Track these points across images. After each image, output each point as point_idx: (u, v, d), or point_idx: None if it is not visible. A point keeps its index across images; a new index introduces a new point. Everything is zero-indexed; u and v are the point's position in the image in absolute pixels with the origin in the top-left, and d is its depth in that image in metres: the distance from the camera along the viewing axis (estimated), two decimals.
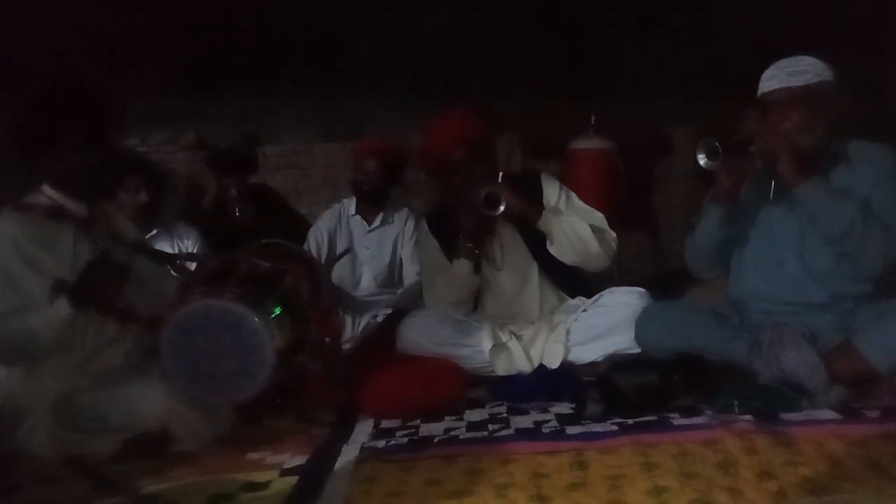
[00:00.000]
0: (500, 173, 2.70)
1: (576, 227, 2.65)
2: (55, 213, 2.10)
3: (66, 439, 2.03)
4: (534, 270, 2.80)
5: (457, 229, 2.69)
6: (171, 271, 2.32)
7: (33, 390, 2.08)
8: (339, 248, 3.57)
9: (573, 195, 2.83)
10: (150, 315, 2.08)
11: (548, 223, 2.66)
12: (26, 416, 2.05)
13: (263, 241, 2.32)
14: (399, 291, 3.55)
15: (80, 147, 2.08)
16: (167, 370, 1.93)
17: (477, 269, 2.72)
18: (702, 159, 2.25)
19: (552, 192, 2.79)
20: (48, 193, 2.13)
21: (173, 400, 1.98)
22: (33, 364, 2.09)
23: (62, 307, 1.94)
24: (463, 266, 2.69)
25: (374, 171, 3.52)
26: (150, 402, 2.00)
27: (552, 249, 2.68)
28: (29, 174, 2.14)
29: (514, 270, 2.80)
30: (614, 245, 2.72)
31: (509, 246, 2.79)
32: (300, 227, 3.72)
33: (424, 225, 2.94)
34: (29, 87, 2.11)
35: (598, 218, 2.75)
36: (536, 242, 2.72)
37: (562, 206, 2.76)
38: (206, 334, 1.88)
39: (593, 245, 2.63)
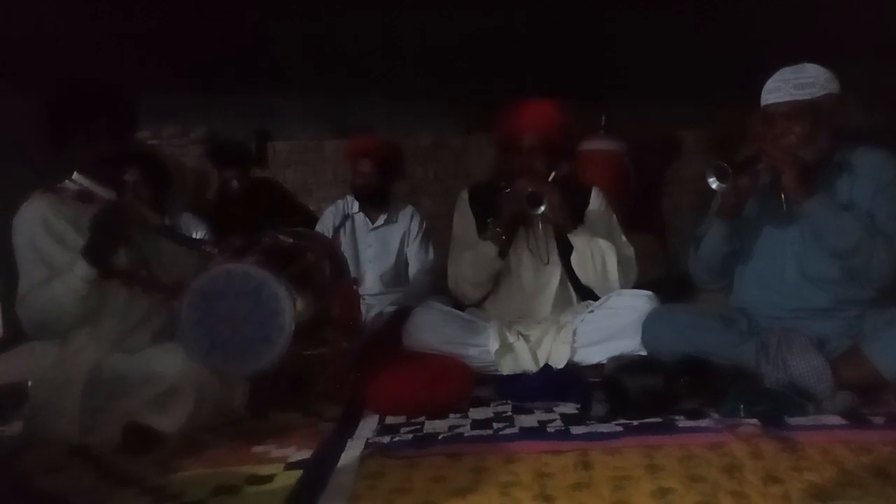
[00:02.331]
0: (553, 173, 2.71)
1: (605, 252, 2.67)
2: (84, 197, 2.16)
3: (93, 412, 2.05)
4: (557, 272, 2.82)
5: (493, 210, 2.72)
6: (197, 255, 2.33)
7: (66, 370, 2.10)
8: (343, 246, 3.55)
9: (615, 220, 2.85)
10: (172, 284, 2.11)
11: (579, 239, 2.68)
12: (58, 397, 2.08)
13: (284, 229, 2.32)
14: (405, 289, 3.54)
15: (110, 137, 2.16)
16: (186, 336, 1.94)
17: (502, 254, 2.74)
18: (713, 182, 2.25)
19: (597, 208, 2.81)
20: (78, 180, 2.19)
21: (191, 361, 1.99)
22: (63, 336, 2.12)
23: (81, 268, 1.98)
24: (488, 248, 2.72)
25: (370, 170, 3.50)
26: (167, 359, 2.01)
27: (574, 263, 2.71)
28: (53, 165, 2.21)
29: (539, 268, 2.82)
30: (633, 281, 2.74)
31: (540, 243, 2.80)
32: (308, 223, 3.71)
33: (465, 196, 2.95)
34: (41, 85, 2.17)
35: (630, 252, 2.77)
36: (566, 245, 2.74)
37: (601, 225, 2.77)
38: (227, 298, 1.89)
39: (613, 276, 2.67)
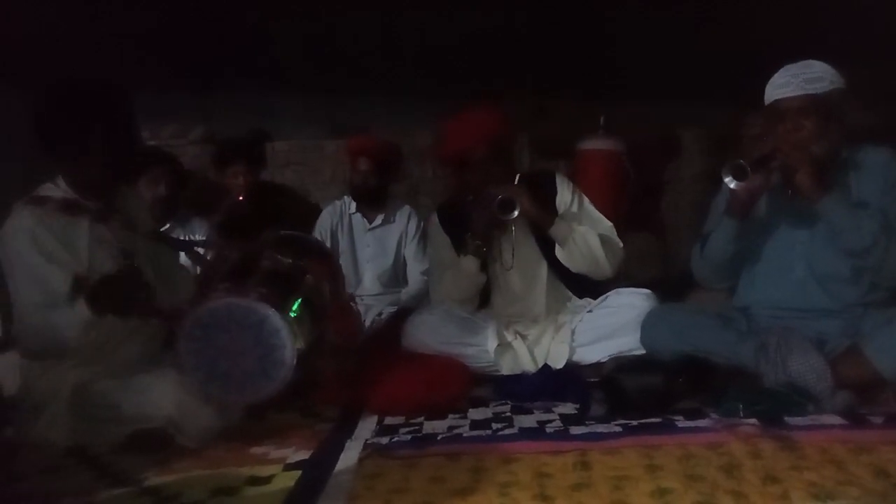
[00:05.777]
0: (518, 175, 2.70)
1: (587, 237, 2.65)
2: (69, 207, 2.10)
3: (83, 429, 2.03)
4: (543, 268, 2.81)
5: (467, 226, 2.70)
6: (187, 258, 2.31)
7: (52, 381, 2.07)
8: (341, 246, 3.57)
9: (586, 200, 2.84)
10: (171, 310, 2.07)
11: (559, 231, 2.66)
12: (46, 405, 2.06)
13: (281, 233, 2.29)
14: (404, 290, 3.55)
15: (99, 143, 2.07)
16: (185, 366, 1.91)
17: (484, 267, 2.73)
18: (730, 181, 2.20)
19: (566, 195, 2.80)
20: (62, 187, 2.13)
21: (185, 392, 1.97)
22: (56, 359, 2.08)
23: (83, 310, 1.92)
24: (470, 263, 2.70)
25: (368, 170, 3.51)
26: (162, 393, 1.99)
27: (560, 256, 2.69)
28: (36, 165, 2.14)
29: (524, 268, 2.81)
30: (620, 256, 2.73)
31: (519, 244, 2.79)
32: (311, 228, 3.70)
33: (435, 219, 2.94)
34: (39, 83, 2.11)
35: (608, 227, 2.77)
36: (547, 241, 2.73)
37: (574, 210, 2.77)
38: (228, 332, 1.87)
39: (601, 256, 2.65)
